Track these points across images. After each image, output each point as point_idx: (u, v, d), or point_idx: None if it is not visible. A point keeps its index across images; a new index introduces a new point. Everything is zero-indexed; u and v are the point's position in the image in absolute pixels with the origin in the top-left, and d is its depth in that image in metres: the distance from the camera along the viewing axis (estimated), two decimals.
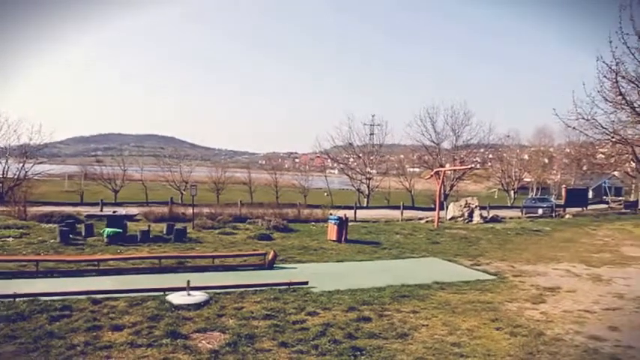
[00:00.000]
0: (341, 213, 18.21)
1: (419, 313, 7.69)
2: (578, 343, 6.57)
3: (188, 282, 8.03)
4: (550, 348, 6.31)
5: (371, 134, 52.43)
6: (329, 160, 59.30)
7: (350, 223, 18.39)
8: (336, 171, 65.33)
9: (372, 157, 48.94)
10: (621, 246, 17.59)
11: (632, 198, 44.49)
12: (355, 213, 24.22)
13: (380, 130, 51.57)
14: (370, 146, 51.21)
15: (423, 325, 7.08)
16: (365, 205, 41.80)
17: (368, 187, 46.97)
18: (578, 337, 6.84)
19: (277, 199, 43.59)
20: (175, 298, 7.77)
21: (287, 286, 9.05)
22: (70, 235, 13.77)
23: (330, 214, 17.90)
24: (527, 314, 7.92)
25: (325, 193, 54.22)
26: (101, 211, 20.75)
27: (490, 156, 61.35)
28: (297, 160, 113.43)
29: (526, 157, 66.18)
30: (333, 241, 15.88)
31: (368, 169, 47.87)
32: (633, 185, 46.87)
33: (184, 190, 37.84)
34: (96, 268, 10.27)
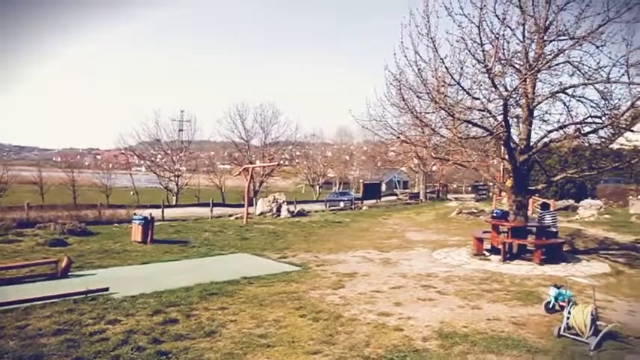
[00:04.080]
0: (147, 212, 17.31)
1: (227, 309, 7.73)
2: (370, 320, 7.33)
3: None
4: (347, 328, 6.91)
5: (180, 130, 51.11)
6: (135, 157, 56.03)
7: (157, 223, 17.63)
8: (143, 168, 62.04)
9: (181, 154, 47.65)
10: (406, 232, 20.09)
11: (415, 190, 51.04)
12: (163, 212, 23.29)
13: (189, 126, 50.53)
14: (179, 142, 49.82)
15: (231, 321, 7.14)
16: (174, 203, 40.54)
17: (177, 184, 45.66)
18: (370, 314, 7.63)
19: (75, 199, 39.73)
20: None
21: (84, 295, 8.27)
22: None
23: (135, 214, 16.89)
24: (328, 300, 8.54)
25: (131, 192, 51.10)
26: None
27: (297, 153, 64.75)
28: (98, 157, 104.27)
29: (330, 154, 71.17)
30: (138, 242, 15.03)
31: (177, 166, 46.50)
32: (416, 179, 53.86)
33: None
34: None
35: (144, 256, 12.94)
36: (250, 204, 26.29)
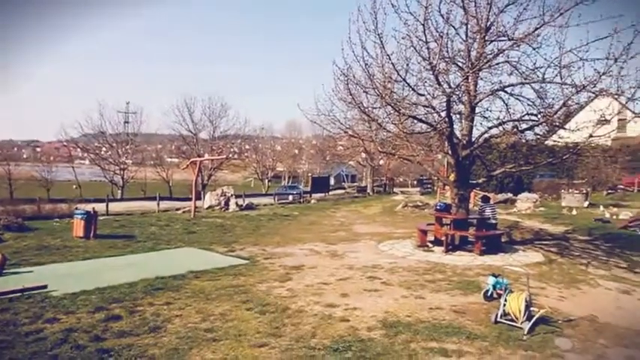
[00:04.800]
0: (91, 207, 16.73)
1: (173, 304, 7.64)
2: (317, 311, 7.43)
3: None
4: (293, 320, 6.98)
5: (125, 122, 49.66)
6: (78, 150, 54.03)
7: (101, 217, 17.11)
8: (87, 161, 59.88)
9: (127, 147, 46.34)
10: (354, 225, 20.37)
11: (363, 184, 51.77)
12: (107, 206, 22.57)
13: (135, 118, 49.22)
14: (125, 135, 48.43)
15: (177, 316, 7.06)
16: (119, 197, 39.45)
17: (122, 178, 44.42)
18: (317, 306, 7.72)
19: (11, 194, 37.99)
20: None
21: (20, 293, 7.94)
22: None
23: (77, 209, 16.30)
24: (275, 292, 8.57)
25: (74, 186, 49.15)
26: None
27: (246, 147, 64.26)
28: (38, 150, 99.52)
29: (279, 148, 70.97)
30: (80, 237, 14.52)
31: (122, 160, 45.18)
32: (364, 173, 54.65)
33: None
34: None
35: (86, 252, 12.52)
36: (198, 197, 25.92)
